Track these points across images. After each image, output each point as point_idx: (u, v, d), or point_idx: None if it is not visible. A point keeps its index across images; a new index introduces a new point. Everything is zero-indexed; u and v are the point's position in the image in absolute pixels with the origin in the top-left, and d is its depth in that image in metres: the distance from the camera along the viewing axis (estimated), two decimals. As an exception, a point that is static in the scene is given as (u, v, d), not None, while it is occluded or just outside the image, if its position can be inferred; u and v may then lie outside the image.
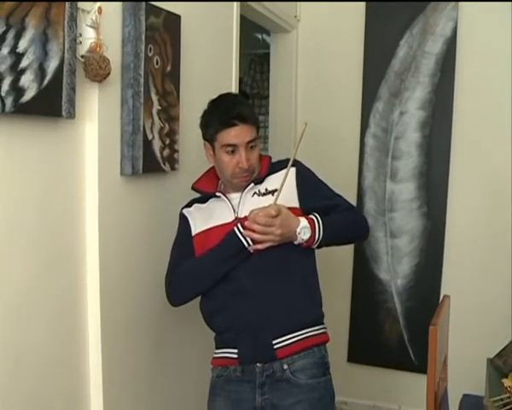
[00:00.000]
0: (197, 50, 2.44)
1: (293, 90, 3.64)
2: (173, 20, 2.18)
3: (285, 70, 3.65)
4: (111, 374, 1.95)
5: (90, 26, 1.76)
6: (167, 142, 2.18)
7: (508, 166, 3.22)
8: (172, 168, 2.24)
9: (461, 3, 3.22)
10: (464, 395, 2.60)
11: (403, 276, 3.47)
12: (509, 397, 1.87)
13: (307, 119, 3.48)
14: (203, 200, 2.03)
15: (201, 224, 1.97)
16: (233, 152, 1.90)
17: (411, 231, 3.42)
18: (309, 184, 1.99)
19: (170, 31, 2.15)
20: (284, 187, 1.84)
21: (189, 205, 2.06)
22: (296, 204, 1.93)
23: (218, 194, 1.98)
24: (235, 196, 1.97)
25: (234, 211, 1.94)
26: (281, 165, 1.98)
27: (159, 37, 2.08)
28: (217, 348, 1.99)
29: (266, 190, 1.94)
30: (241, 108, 1.93)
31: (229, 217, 1.93)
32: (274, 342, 1.86)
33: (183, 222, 2.03)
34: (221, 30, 2.73)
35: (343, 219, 1.98)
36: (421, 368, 3.45)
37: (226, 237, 1.88)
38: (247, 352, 1.89)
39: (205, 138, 1.99)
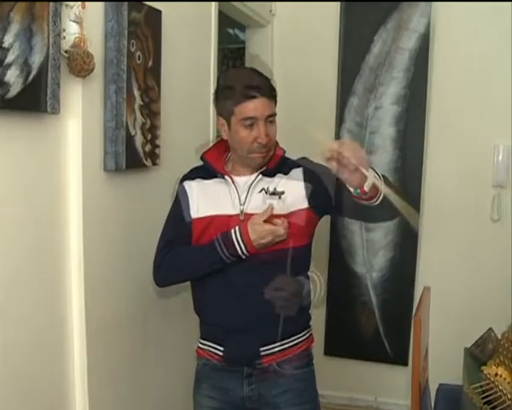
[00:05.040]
0: (177, 46, 2.44)
1: (268, 85, 3.63)
2: (154, 16, 2.17)
3: (260, 64, 3.65)
4: (96, 366, 1.95)
5: (74, 21, 1.73)
6: (149, 137, 2.17)
7: (482, 159, 3.30)
8: (154, 163, 2.23)
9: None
10: (441, 385, 2.64)
11: (378, 269, 3.53)
12: (488, 384, 1.91)
13: (282, 113, 3.48)
14: (207, 175, 1.92)
15: (203, 207, 1.87)
16: (251, 126, 1.79)
17: (386, 224, 3.45)
18: (317, 178, 1.85)
19: (151, 26, 2.13)
20: (291, 190, 1.79)
21: (191, 177, 1.94)
22: (305, 204, 1.84)
23: (226, 177, 1.87)
24: (242, 181, 1.87)
25: (239, 203, 1.85)
26: (292, 165, 1.89)
27: (140, 32, 2.06)
28: (202, 338, 1.95)
29: (275, 189, 1.84)
30: (261, 79, 1.82)
31: (233, 208, 1.85)
32: (262, 349, 1.85)
33: (183, 197, 1.91)
34: (200, 25, 2.73)
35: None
36: (396, 360, 3.53)
37: (222, 238, 1.79)
38: (233, 354, 1.87)
39: (220, 114, 1.87)
